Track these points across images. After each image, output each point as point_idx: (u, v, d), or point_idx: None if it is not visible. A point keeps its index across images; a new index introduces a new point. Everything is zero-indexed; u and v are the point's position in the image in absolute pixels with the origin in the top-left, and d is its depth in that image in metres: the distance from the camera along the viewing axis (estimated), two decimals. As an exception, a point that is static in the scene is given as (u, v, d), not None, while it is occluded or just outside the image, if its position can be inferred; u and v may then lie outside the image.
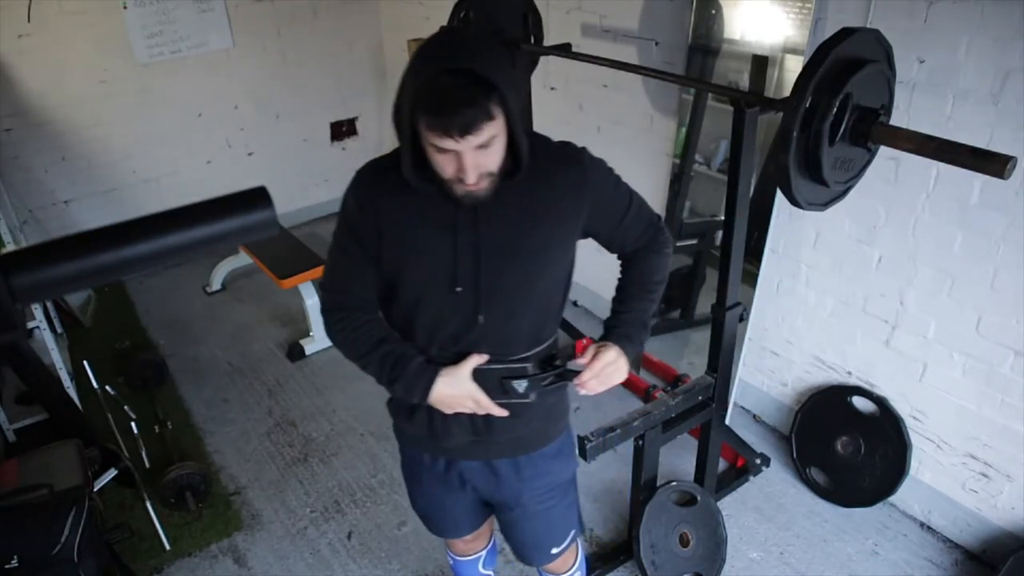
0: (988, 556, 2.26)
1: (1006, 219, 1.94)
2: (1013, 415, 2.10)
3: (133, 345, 3.58)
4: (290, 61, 4.39)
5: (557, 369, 1.37)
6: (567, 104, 3.31)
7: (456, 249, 1.24)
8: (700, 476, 2.39)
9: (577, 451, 1.60)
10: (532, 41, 2.70)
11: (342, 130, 4.79)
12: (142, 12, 3.82)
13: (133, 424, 2.77)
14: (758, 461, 2.61)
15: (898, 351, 2.33)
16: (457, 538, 1.74)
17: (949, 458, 2.30)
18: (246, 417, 3.08)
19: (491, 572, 1.90)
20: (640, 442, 2.10)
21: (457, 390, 1.31)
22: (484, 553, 1.84)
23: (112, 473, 2.48)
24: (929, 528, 2.41)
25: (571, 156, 1.30)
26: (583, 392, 1.34)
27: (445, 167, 1.16)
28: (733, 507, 2.51)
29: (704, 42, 2.62)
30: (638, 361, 3.18)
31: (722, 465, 2.56)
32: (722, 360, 2.17)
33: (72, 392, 2.88)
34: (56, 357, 2.84)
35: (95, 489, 2.18)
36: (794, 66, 2.31)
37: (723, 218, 2.00)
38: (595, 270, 2.45)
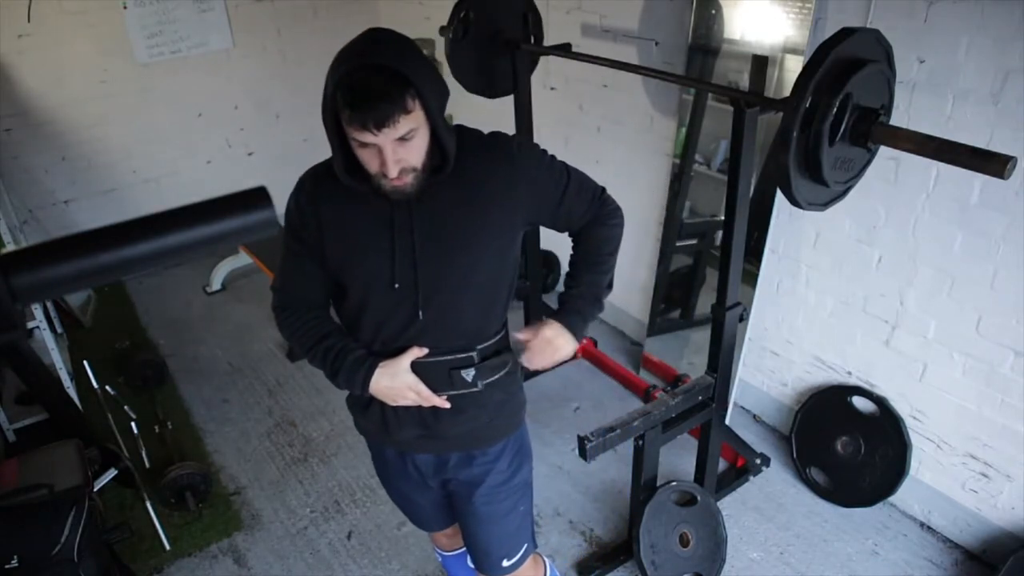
0: (988, 556, 2.26)
1: (1006, 219, 1.94)
2: (1013, 415, 2.10)
3: (133, 345, 3.58)
4: (290, 61, 4.39)
5: (501, 354, 1.41)
6: (567, 104, 3.31)
7: (393, 246, 1.28)
8: (700, 476, 2.39)
9: (532, 456, 1.61)
10: (532, 41, 2.70)
11: (342, 130, 4.79)
12: (142, 12, 3.82)
13: (133, 424, 2.77)
14: (758, 461, 2.61)
15: (898, 351, 2.33)
16: (437, 531, 1.79)
17: (949, 458, 2.30)
18: (246, 417, 3.08)
19: None
20: (640, 442, 2.11)
21: (396, 381, 1.34)
22: None
23: (112, 473, 2.48)
24: (929, 528, 2.41)
25: (500, 147, 1.32)
26: (529, 366, 1.40)
27: (369, 162, 1.19)
28: (733, 507, 2.51)
29: (704, 42, 2.62)
30: (638, 361, 3.18)
31: (722, 465, 2.56)
32: (722, 360, 2.17)
33: (72, 392, 2.88)
34: (56, 357, 2.84)
35: (95, 489, 2.17)
36: (794, 66, 2.31)
37: (723, 218, 2.00)
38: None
